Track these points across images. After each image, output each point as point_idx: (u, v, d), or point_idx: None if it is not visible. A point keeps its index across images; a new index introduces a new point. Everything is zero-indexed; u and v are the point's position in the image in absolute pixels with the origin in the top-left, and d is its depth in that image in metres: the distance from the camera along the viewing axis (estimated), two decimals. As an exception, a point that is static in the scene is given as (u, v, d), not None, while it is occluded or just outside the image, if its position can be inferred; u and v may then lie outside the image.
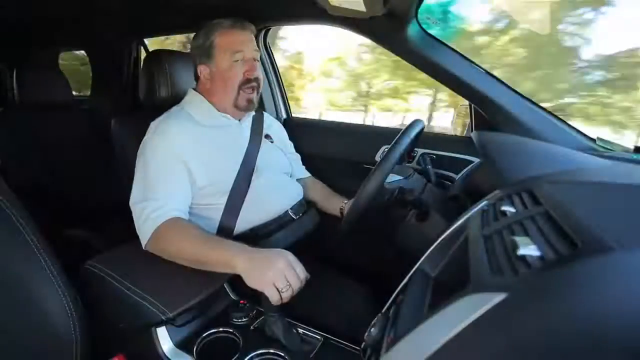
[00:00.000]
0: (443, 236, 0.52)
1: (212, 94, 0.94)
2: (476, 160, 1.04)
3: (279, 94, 1.51)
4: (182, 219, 0.77)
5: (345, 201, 1.03)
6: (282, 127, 1.19)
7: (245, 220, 0.88)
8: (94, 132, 1.62)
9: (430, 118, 3.31)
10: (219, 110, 0.94)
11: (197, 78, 0.98)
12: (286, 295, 0.63)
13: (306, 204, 1.03)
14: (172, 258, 0.74)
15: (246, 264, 0.65)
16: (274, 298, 0.62)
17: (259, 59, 0.94)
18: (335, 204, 1.05)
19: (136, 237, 0.79)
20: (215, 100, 0.94)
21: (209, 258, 0.69)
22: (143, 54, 1.81)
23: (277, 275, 0.63)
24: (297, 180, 1.08)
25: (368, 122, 3.58)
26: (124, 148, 1.03)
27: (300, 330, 0.72)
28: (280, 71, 1.48)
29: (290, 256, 0.66)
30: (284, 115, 1.54)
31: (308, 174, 1.17)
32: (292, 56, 4.07)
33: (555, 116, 0.91)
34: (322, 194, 1.11)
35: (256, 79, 0.92)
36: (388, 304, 0.53)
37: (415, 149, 1.12)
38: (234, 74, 0.90)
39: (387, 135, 1.22)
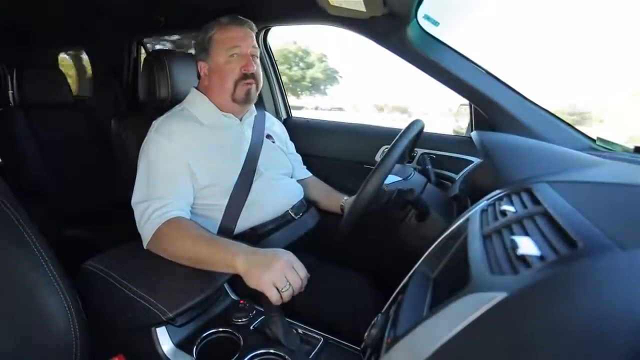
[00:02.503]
0: (443, 236, 0.52)
1: (211, 90, 0.94)
2: (476, 160, 1.04)
3: (279, 94, 1.51)
4: (183, 218, 0.77)
5: (345, 198, 1.03)
6: (284, 127, 1.19)
7: (246, 220, 0.88)
8: (94, 132, 1.63)
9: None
10: (221, 109, 0.94)
11: (199, 76, 0.98)
12: (286, 295, 0.63)
13: (307, 204, 1.03)
14: (173, 257, 0.74)
15: (246, 264, 0.65)
16: (273, 298, 0.62)
17: (257, 56, 0.94)
18: (336, 201, 1.05)
19: (136, 237, 0.78)
20: (214, 96, 0.94)
21: (209, 258, 0.69)
22: (143, 54, 1.81)
23: (277, 275, 0.63)
24: (298, 180, 1.08)
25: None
26: (124, 148, 1.03)
27: (300, 330, 0.71)
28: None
29: (290, 256, 0.66)
30: (284, 115, 1.54)
31: (309, 174, 1.17)
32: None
33: (555, 116, 0.91)
34: (323, 193, 1.11)
35: (253, 75, 0.92)
36: (388, 304, 0.53)
37: (415, 149, 1.12)
38: (230, 69, 0.90)
39: (387, 135, 1.22)
